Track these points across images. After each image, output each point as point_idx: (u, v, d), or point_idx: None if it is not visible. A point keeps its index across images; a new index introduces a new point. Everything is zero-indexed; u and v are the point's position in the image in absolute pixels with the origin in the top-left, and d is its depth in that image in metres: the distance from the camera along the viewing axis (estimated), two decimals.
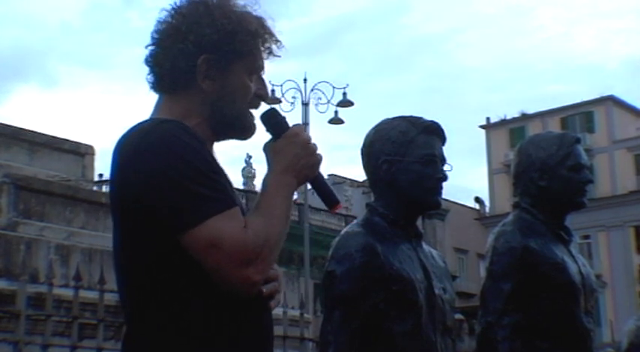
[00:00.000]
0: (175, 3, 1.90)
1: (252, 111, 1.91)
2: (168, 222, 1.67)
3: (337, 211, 1.88)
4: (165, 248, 1.69)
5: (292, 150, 1.78)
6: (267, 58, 1.93)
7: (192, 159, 1.70)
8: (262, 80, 1.94)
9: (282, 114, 1.88)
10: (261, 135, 1.89)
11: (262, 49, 1.91)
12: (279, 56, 1.96)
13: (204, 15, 1.86)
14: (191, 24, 1.85)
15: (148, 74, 1.91)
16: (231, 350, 1.74)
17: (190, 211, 1.65)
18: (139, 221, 1.72)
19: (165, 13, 1.89)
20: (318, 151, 1.82)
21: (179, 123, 1.77)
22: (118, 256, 1.81)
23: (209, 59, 1.85)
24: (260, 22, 1.90)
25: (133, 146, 1.74)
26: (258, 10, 1.92)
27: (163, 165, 1.68)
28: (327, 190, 1.85)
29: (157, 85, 1.90)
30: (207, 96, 1.86)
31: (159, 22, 1.89)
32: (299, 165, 1.78)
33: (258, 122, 1.90)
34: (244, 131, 1.91)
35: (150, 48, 1.90)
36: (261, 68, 1.93)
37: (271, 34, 1.92)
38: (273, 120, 1.86)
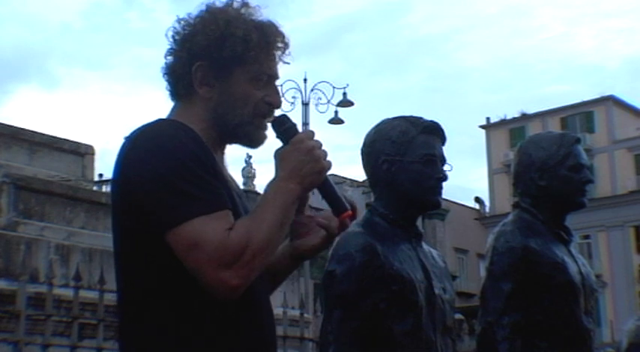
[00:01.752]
0: (188, 14, 1.92)
1: (263, 119, 1.89)
2: (155, 219, 1.69)
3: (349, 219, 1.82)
4: (157, 247, 1.70)
5: (297, 157, 1.76)
6: (276, 62, 1.91)
7: (185, 158, 1.70)
8: (273, 87, 1.92)
9: (293, 120, 1.86)
10: (272, 140, 1.89)
11: (264, 55, 1.88)
12: (287, 63, 1.95)
13: (199, 22, 1.88)
14: (190, 32, 1.88)
15: (165, 82, 1.94)
16: (224, 350, 1.73)
17: (176, 209, 1.66)
18: (133, 219, 1.73)
19: (176, 24, 1.92)
20: (327, 158, 1.79)
21: (177, 122, 1.78)
22: (116, 256, 1.83)
23: (202, 66, 1.86)
24: (253, 28, 1.87)
25: (131, 144, 1.76)
26: (259, 16, 1.90)
27: (155, 162, 1.70)
28: (335, 197, 1.81)
29: (170, 93, 1.94)
30: (208, 103, 1.87)
31: (174, 31, 1.92)
32: (303, 171, 1.75)
33: (270, 130, 1.89)
34: (250, 139, 1.90)
35: (167, 58, 1.93)
36: (268, 74, 1.90)
37: (272, 39, 1.89)
38: (282, 127, 1.84)
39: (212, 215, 1.67)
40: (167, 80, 1.92)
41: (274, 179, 1.78)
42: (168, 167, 1.69)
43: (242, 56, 1.85)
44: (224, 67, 1.86)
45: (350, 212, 1.81)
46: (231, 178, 1.95)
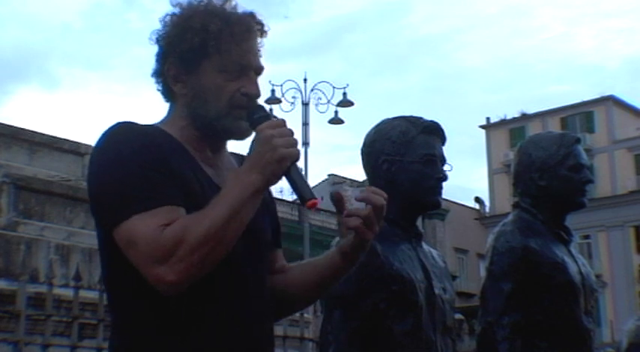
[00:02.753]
0: (166, 14, 1.93)
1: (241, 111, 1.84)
2: (100, 221, 1.74)
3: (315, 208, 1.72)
4: (112, 246, 1.73)
5: (256, 147, 1.71)
6: (248, 53, 1.87)
7: (124, 159, 1.71)
8: (249, 77, 1.87)
9: (266, 110, 1.82)
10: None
11: (225, 43, 1.83)
12: (259, 50, 1.90)
13: (169, 20, 1.89)
14: (163, 31, 1.89)
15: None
16: (193, 342, 1.72)
17: (114, 210, 1.68)
18: (95, 221, 1.80)
19: (159, 24, 1.93)
20: (291, 146, 1.70)
21: (126, 123, 1.79)
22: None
23: (172, 62, 1.86)
24: (208, 15, 1.84)
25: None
26: (229, 9, 1.87)
27: (97, 166, 1.75)
28: (300, 185, 1.73)
29: (162, 96, 1.95)
30: (184, 99, 1.87)
31: (155, 33, 1.93)
32: (262, 161, 1.68)
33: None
34: (230, 132, 1.86)
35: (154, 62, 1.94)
36: (240, 64, 1.85)
37: (230, 24, 1.85)
38: (251, 119, 1.80)
39: (149, 212, 1.66)
40: (156, 84, 1.93)
41: (234, 172, 1.76)
42: (106, 171, 1.72)
43: (203, 47, 1.83)
44: (191, 61, 1.84)
45: (315, 200, 1.71)
46: (218, 174, 1.88)
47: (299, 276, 1.96)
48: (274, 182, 1.73)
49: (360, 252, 1.85)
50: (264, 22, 1.91)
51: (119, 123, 1.80)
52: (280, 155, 1.68)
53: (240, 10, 1.89)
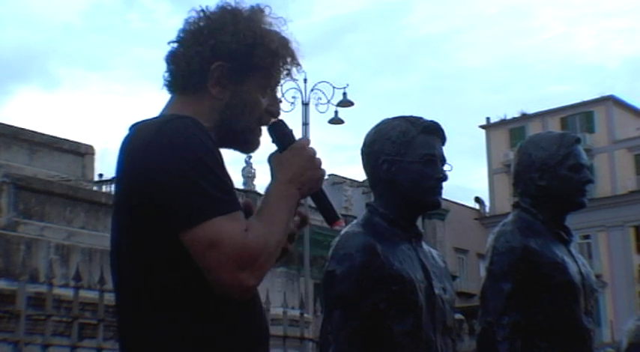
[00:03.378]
0: (207, 6, 1.91)
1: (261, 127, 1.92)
2: (174, 218, 1.67)
3: (337, 227, 1.85)
4: (167, 248, 1.69)
5: (298, 163, 1.80)
6: (285, 78, 1.95)
7: (206, 157, 1.69)
8: (275, 97, 1.95)
9: (290, 126, 1.89)
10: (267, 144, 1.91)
11: (281, 68, 1.92)
12: (296, 80, 2.01)
13: (229, 23, 1.87)
14: (214, 29, 1.87)
15: (165, 72, 1.92)
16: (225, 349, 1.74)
17: (197, 209, 1.65)
18: (145, 218, 1.71)
19: (194, 14, 1.91)
20: (322, 166, 1.83)
21: (194, 119, 1.76)
22: (115, 256, 1.81)
23: (223, 66, 1.85)
24: (283, 42, 1.91)
25: (145, 141, 1.72)
26: (284, 31, 1.93)
27: (177, 160, 1.68)
28: (328, 205, 1.86)
29: (170, 84, 1.91)
30: (217, 103, 1.87)
31: (186, 21, 1.91)
32: (304, 177, 1.79)
33: (263, 138, 1.93)
34: (248, 145, 1.93)
35: (172, 45, 1.91)
36: (276, 86, 1.95)
37: (293, 57, 1.93)
38: (281, 132, 1.87)
39: (229, 215, 1.66)
40: (171, 69, 1.90)
41: (274, 182, 1.80)
42: (190, 166, 1.67)
43: (267, 67, 1.88)
44: (243, 73, 1.87)
45: (340, 221, 1.86)
46: None
47: None
48: (304, 197, 1.83)
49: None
50: (299, 49, 1.97)
51: (185, 119, 1.75)
52: (321, 175, 1.81)
53: (284, 30, 1.94)
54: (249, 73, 1.87)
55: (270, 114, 1.92)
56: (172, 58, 1.89)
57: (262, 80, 1.89)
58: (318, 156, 1.83)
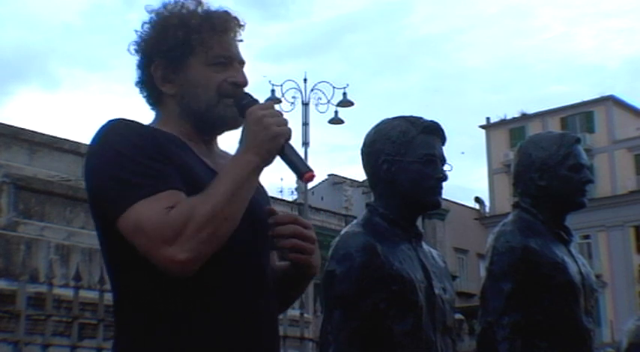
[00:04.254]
0: (142, 23, 1.98)
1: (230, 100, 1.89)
2: (105, 212, 1.74)
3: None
4: (120, 248, 1.74)
5: (248, 129, 1.77)
6: (230, 46, 1.93)
7: (124, 149, 1.74)
8: (235, 68, 1.93)
9: (253, 96, 1.86)
10: None
11: (218, 38, 1.90)
12: (240, 40, 1.97)
13: (152, 25, 1.93)
14: (142, 37, 1.94)
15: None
16: (203, 340, 1.73)
17: (118, 198, 1.70)
18: (95, 217, 1.81)
19: (135, 35, 1.97)
20: (282, 124, 1.76)
21: (120, 119, 1.83)
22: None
23: (159, 63, 1.90)
24: (199, 14, 1.91)
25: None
26: (204, 7, 1.93)
27: (96, 158, 1.77)
28: (295, 160, 1.78)
29: (148, 104, 1.99)
30: (175, 98, 1.91)
31: (133, 44, 1.97)
32: (257, 141, 1.75)
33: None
34: (223, 120, 1.91)
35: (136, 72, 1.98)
36: (224, 56, 1.91)
37: (223, 22, 1.92)
38: (239, 105, 1.85)
39: (153, 197, 1.69)
40: (140, 92, 1.97)
41: (233, 155, 1.80)
42: (107, 160, 1.74)
43: (186, 42, 1.88)
44: (177, 58, 1.89)
45: (311, 172, 1.77)
46: (216, 162, 1.92)
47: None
48: (270, 160, 1.77)
49: (301, 274, 1.94)
50: (239, 16, 1.97)
51: (112, 120, 1.83)
52: (274, 132, 1.74)
53: (213, 8, 1.95)
54: (185, 57, 1.89)
55: (233, 85, 1.90)
56: (136, 83, 1.97)
57: (203, 57, 1.89)
58: (272, 116, 1.77)
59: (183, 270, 1.67)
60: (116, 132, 1.79)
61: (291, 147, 1.78)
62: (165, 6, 1.93)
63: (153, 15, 1.93)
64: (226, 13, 1.95)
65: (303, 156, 1.79)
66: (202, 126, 1.91)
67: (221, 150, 2.01)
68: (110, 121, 1.82)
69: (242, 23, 1.97)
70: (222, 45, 1.91)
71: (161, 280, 1.70)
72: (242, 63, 1.96)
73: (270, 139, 1.74)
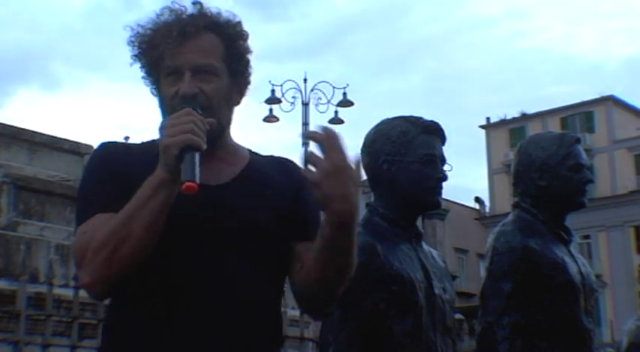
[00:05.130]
0: None
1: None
2: None
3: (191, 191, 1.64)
4: None
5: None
6: (180, 53, 1.83)
7: (87, 173, 1.89)
8: (182, 78, 1.82)
9: (191, 107, 1.74)
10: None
11: (170, 48, 1.83)
12: (248, 39, 1.92)
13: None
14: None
15: None
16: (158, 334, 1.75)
17: (75, 220, 1.84)
18: None
19: None
20: (174, 133, 1.66)
21: (104, 143, 1.92)
22: None
23: (148, 82, 1.93)
24: (154, 25, 1.87)
25: None
26: (172, 14, 1.88)
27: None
28: (182, 169, 1.66)
29: None
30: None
31: None
32: (160, 151, 1.69)
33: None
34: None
35: None
36: (171, 66, 1.84)
37: (168, 31, 1.84)
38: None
39: (85, 223, 1.79)
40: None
41: None
42: (79, 185, 1.91)
43: (151, 58, 1.86)
44: (151, 75, 1.90)
45: (190, 183, 1.64)
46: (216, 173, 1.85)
47: (311, 261, 1.81)
48: (173, 172, 1.68)
49: (341, 220, 1.66)
50: (215, 14, 1.89)
51: (99, 144, 1.93)
52: (164, 144, 1.68)
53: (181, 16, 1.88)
54: (155, 72, 1.88)
55: (181, 97, 1.81)
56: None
57: (162, 69, 1.86)
58: (170, 124, 1.68)
59: (90, 291, 1.77)
60: (90, 158, 1.92)
61: (189, 157, 1.67)
62: (136, 24, 1.92)
63: (129, 32, 1.91)
64: (172, 22, 1.86)
65: (197, 165, 1.67)
66: None
67: (232, 148, 1.95)
68: (97, 145, 1.93)
69: (213, 21, 1.88)
70: (172, 55, 1.84)
71: (130, 282, 1.75)
72: (201, 68, 1.83)
73: (163, 150, 1.68)
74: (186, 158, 1.67)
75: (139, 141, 1.95)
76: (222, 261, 1.79)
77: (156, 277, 1.74)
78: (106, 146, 1.91)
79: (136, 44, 1.89)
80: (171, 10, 1.89)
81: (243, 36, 1.93)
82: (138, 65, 1.91)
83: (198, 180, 1.65)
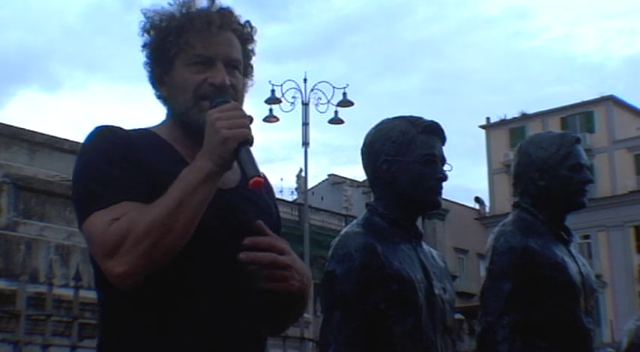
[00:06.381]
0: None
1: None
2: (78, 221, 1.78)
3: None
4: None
5: (205, 133, 1.72)
6: (214, 45, 1.86)
7: (94, 157, 1.77)
8: (216, 68, 1.85)
9: (226, 98, 1.78)
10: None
11: (200, 37, 1.85)
12: (250, 39, 1.95)
13: (141, 30, 1.94)
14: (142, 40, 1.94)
15: None
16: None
17: (81, 208, 1.75)
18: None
19: None
20: (236, 127, 1.68)
21: (105, 126, 1.84)
22: None
23: (152, 66, 1.91)
24: (179, 14, 1.88)
25: None
26: (191, 7, 1.90)
27: (75, 166, 1.81)
28: (245, 164, 1.69)
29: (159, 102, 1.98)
30: (167, 100, 1.92)
31: None
32: (209, 145, 1.69)
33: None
34: (196, 124, 1.81)
35: None
36: (205, 56, 1.85)
37: (203, 22, 1.86)
38: (211, 107, 1.77)
39: (107, 209, 1.70)
40: (153, 91, 1.97)
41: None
42: (81, 169, 1.78)
43: (169, 44, 1.85)
44: (165, 61, 1.88)
45: (258, 178, 1.66)
46: None
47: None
48: (224, 165, 1.70)
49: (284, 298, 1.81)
50: (234, 15, 1.92)
51: (97, 127, 1.84)
52: (223, 136, 1.67)
53: (200, 7, 1.91)
54: (170, 59, 1.87)
55: (211, 86, 1.84)
56: (149, 82, 1.97)
57: (183, 57, 1.86)
58: (226, 118, 1.69)
59: (121, 283, 1.68)
60: (93, 140, 1.81)
61: (247, 151, 1.69)
62: (155, 8, 1.92)
63: (143, 18, 1.91)
64: (216, 12, 1.89)
65: (257, 161, 1.70)
66: (186, 128, 1.87)
67: None
68: (95, 128, 1.84)
69: (238, 21, 1.92)
70: (203, 44, 1.85)
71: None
72: (229, 62, 1.88)
73: (220, 143, 1.67)
74: (243, 153, 1.69)
75: (127, 128, 1.88)
76: (231, 262, 1.79)
77: (166, 277, 1.71)
78: (110, 129, 1.83)
79: (158, 26, 1.88)
80: (183, 3, 1.91)
81: (254, 38, 1.98)
82: (147, 48, 1.90)
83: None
